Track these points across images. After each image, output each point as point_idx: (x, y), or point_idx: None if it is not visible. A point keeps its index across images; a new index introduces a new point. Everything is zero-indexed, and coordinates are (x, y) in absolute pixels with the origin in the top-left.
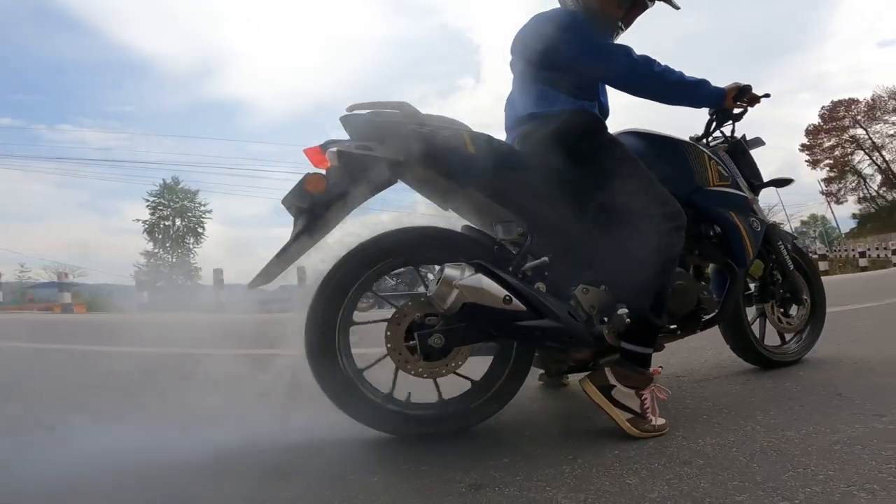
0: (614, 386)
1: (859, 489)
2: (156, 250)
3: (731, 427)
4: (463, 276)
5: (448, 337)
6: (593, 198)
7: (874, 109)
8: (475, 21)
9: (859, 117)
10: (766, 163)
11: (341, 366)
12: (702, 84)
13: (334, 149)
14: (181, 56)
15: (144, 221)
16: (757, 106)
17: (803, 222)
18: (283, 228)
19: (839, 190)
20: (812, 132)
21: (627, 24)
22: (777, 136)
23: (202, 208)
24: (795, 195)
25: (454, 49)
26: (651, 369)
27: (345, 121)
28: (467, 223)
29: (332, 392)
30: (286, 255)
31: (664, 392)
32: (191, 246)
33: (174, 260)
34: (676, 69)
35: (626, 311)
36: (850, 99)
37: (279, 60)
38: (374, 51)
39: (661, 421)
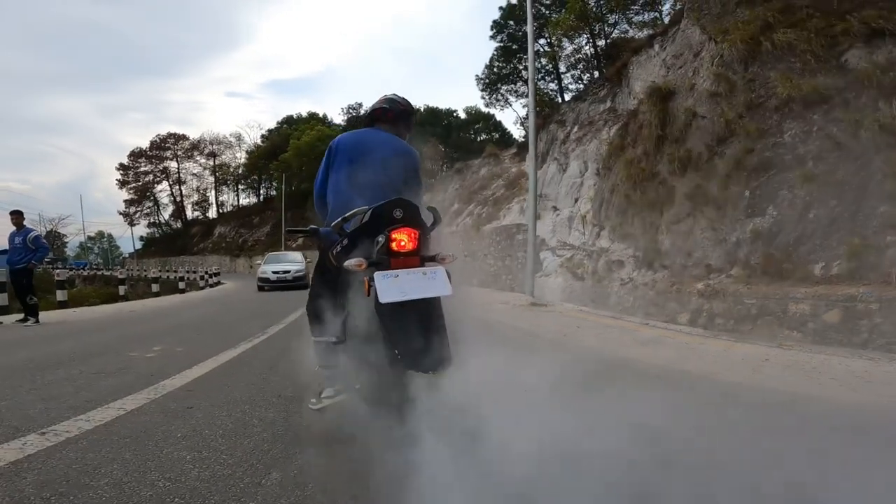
0: None
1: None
2: None
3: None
4: None
5: None
6: None
7: (195, 149)
8: None
9: (180, 153)
10: (61, 168)
11: None
12: None
13: None
14: None
15: None
16: None
17: (90, 237)
18: None
19: (136, 213)
20: (135, 155)
21: None
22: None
23: None
24: (94, 211)
25: None
26: None
27: None
28: None
29: None
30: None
31: None
32: None
33: None
34: None
35: None
36: (182, 134)
37: None
38: None
39: None
